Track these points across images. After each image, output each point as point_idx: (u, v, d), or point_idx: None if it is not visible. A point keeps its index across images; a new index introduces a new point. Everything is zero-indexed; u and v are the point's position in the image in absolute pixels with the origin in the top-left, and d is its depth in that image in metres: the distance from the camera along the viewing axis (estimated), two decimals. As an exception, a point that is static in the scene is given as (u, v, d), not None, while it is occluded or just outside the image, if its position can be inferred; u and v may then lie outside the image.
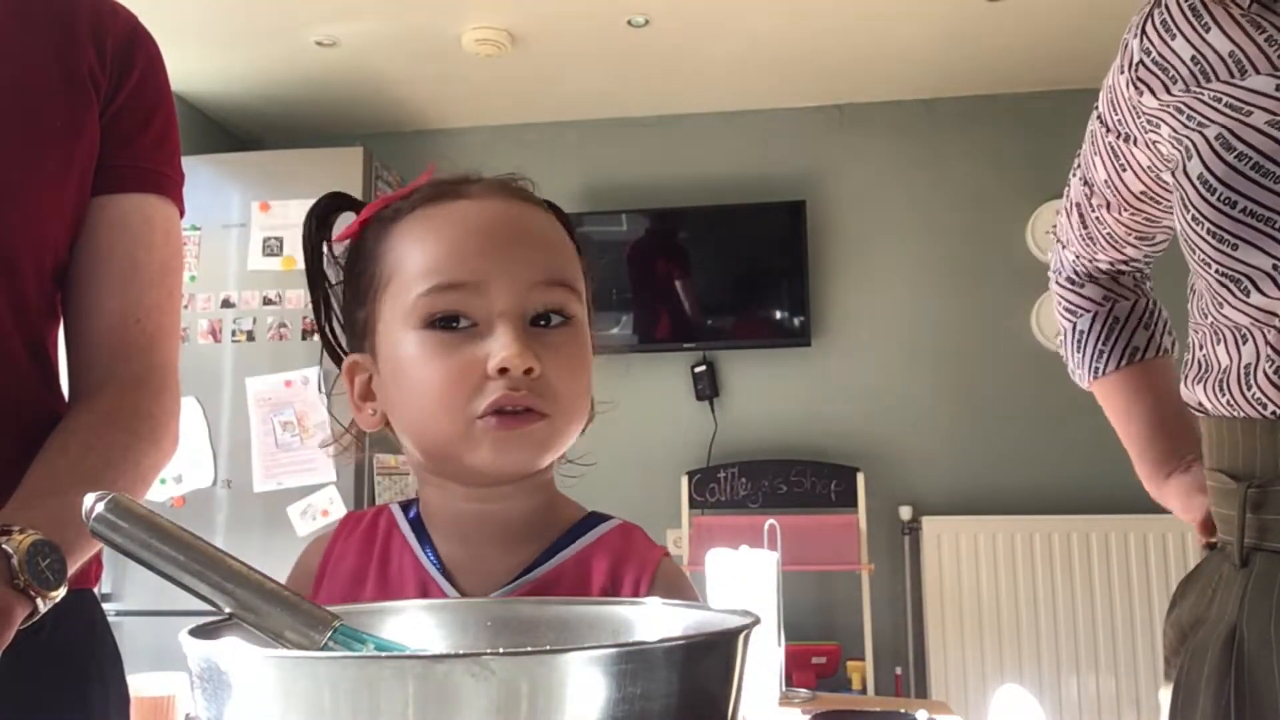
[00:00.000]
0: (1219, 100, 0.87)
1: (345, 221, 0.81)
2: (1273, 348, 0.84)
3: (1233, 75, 0.87)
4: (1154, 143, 0.97)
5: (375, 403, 0.75)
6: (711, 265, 4.06)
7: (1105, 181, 1.09)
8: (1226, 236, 0.85)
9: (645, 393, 3.99)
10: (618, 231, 4.08)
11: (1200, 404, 0.93)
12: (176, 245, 1.00)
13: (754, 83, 3.86)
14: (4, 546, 0.73)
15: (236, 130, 4.17)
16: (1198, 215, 0.87)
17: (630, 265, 4.04)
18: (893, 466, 3.85)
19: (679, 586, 0.75)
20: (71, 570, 0.78)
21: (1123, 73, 1.00)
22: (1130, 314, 1.18)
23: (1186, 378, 0.96)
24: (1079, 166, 1.14)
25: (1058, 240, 1.23)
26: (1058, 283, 1.23)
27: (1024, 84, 3.86)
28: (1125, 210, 1.10)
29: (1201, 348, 0.94)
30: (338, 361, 0.79)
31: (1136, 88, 0.97)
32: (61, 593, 0.75)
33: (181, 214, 1.02)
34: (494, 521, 0.75)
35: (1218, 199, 0.85)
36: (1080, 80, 3.73)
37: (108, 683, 0.94)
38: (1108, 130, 1.05)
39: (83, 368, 0.94)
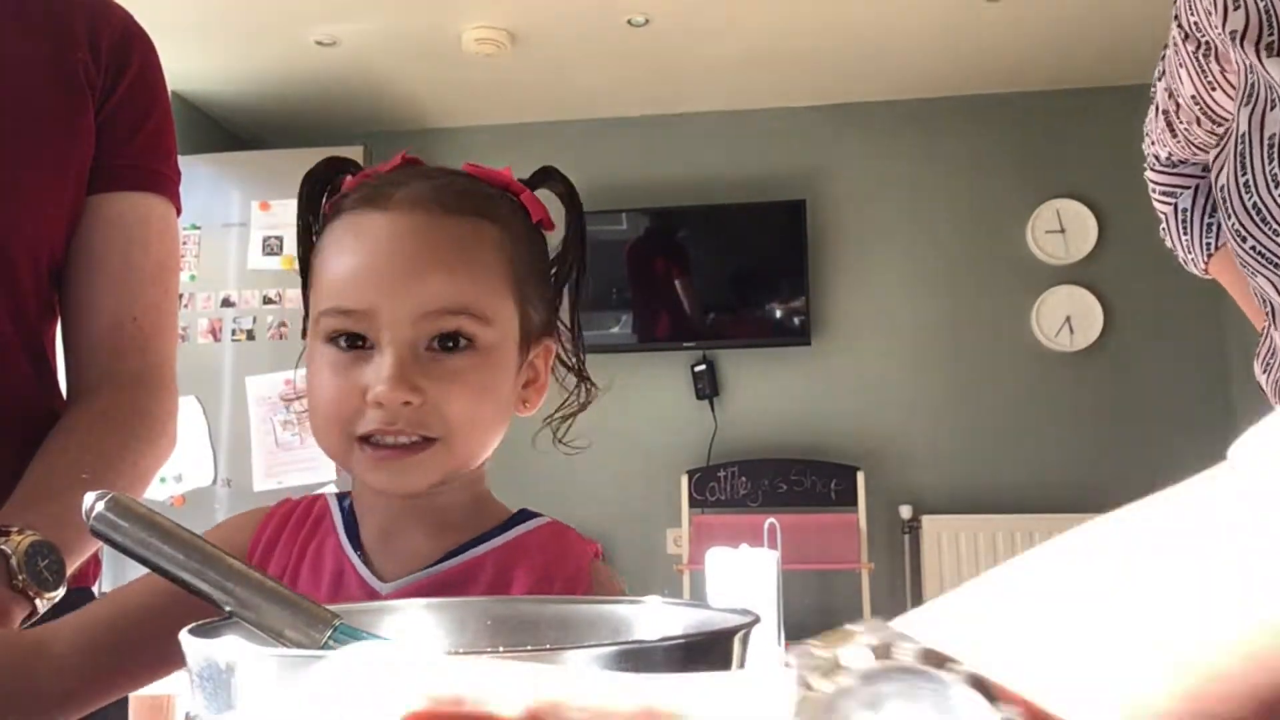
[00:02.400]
0: None
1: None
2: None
3: None
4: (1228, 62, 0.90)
5: None
6: (711, 265, 4.06)
7: (1193, 98, 0.98)
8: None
9: (645, 392, 3.99)
10: (618, 231, 4.08)
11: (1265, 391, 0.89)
12: (173, 243, 1.00)
13: (754, 83, 3.85)
14: (2, 548, 0.73)
15: (236, 130, 4.17)
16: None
17: (630, 265, 4.04)
18: (893, 466, 3.85)
19: (610, 593, 0.74)
20: (70, 570, 0.78)
21: None
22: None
23: (1258, 355, 0.90)
24: (1163, 74, 1.03)
25: (1148, 136, 1.12)
26: (1152, 169, 1.13)
27: (1024, 84, 3.86)
28: (1217, 127, 1.00)
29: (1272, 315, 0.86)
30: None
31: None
32: (60, 593, 0.75)
33: (179, 212, 1.01)
34: (422, 511, 0.75)
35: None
36: (1080, 80, 3.73)
37: None
38: (1186, 37, 0.94)
39: (81, 367, 0.94)
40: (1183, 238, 1.08)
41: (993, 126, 3.96)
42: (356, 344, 0.70)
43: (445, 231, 0.72)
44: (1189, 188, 1.08)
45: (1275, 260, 0.81)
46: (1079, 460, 3.76)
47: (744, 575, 1.92)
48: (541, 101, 4.00)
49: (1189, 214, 1.08)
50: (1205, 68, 0.94)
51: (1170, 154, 1.09)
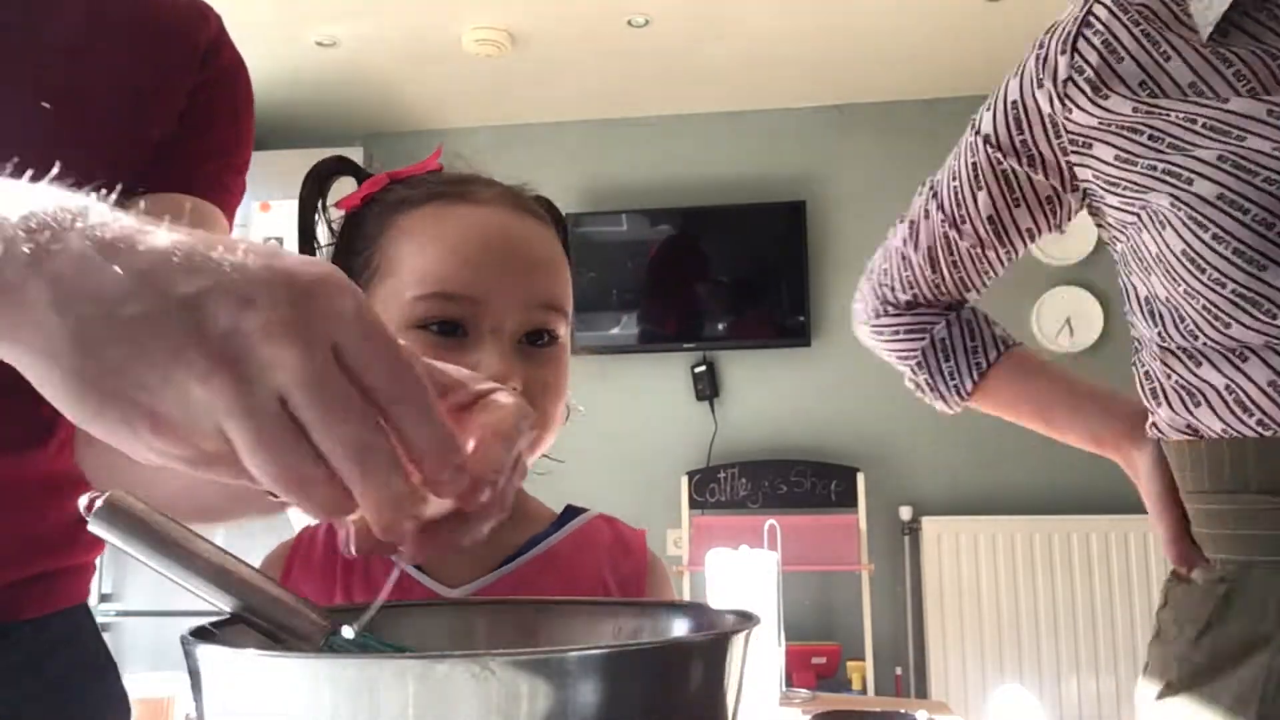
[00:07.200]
0: (1194, 122, 0.84)
1: (344, 185, 0.82)
2: None
3: (1203, 98, 0.85)
4: (1073, 165, 0.93)
5: None
6: (711, 265, 4.06)
7: (990, 218, 1.02)
8: (1255, 256, 0.82)
9: (645, 393, 3.99)
10: (617, 231, 4.08)
11: (1194, 428, 0.89)
12: None
13: (754, 83, 3.86)
14: None
15: (236, 130, 4.17)
16: (1220, 234, 0.83)
17: (630, 265, 4.04)
18: (893, 466, 3.85)
19: (663, 577, 0.81)
20: None
21: (1040, 87, 0.95)
22: (976, 316, 1.12)
23: (1169, 407, 0.91)
24: (938, 208, 1.07)
25: (883, 287, 1.13)
26: (883, 315, 1.13)
27: (1024, 84, 3.86)
28: (1000, 249, 1.04)
29: (1170, 376, 0.90)
30: None
31: (1065, 104, 0.92)
32: None
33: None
34: None
35: (1251, 219, 0.81)
36: (1080, 80, 3.73)
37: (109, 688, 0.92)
38: (1004, 155, 0.99)
39: None
40: (945, 365, 1.09)
41: (993, 127, 3.96)
42: (448, 331, 0.70)
43: (537, 231, 0.76)
44: (942, 320, 1.10)
45: (1264, 301, 0.80)
46: (1078, 461, 3.74)
47: (744, 576, 1.92)
48: (541, 102, 4.00)
49: (948, 343, 1.09)
50: (1016, 184, 0.98)
51: (914, 297, 1.11)
